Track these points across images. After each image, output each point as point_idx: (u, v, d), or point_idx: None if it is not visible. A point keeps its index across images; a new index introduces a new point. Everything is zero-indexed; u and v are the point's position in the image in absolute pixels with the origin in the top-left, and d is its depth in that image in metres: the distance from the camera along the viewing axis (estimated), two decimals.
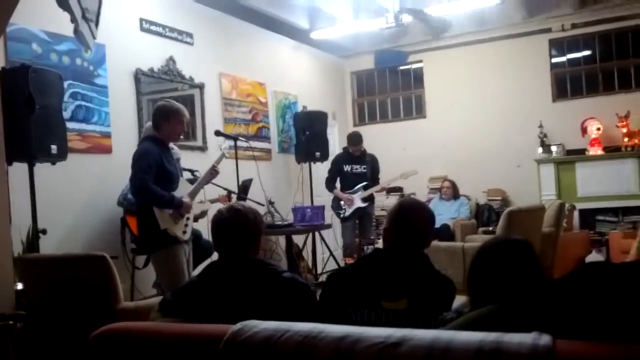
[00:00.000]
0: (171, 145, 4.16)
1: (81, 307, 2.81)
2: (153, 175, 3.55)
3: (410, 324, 1.79)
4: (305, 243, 6.93)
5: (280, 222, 6.45)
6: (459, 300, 2.01)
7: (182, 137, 3.90)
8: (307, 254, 6.91)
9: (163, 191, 3.59)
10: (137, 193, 3.66)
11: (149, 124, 3.92)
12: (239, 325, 1.48)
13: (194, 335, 1.53)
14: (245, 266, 1.94)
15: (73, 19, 2.94)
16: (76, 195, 4.65)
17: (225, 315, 1.70)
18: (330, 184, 6.68)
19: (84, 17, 3.04)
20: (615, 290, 1.21)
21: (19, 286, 2.91)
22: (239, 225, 1.98)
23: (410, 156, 8.33)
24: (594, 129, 7.53)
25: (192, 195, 3.84)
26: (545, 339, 1.19)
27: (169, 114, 3.75)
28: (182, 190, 3.76)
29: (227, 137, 4.43)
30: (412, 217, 2.07)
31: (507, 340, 1.22)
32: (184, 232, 3.72)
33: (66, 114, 4.51)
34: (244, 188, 4.98)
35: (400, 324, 1.78)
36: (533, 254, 1.69)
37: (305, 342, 1.40)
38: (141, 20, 5.47)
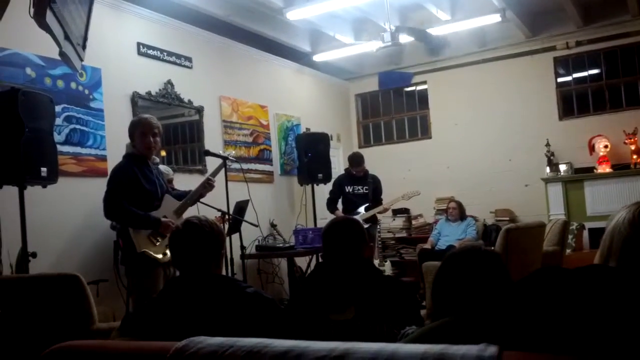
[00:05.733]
0: (163, 166, 4.10)
1: (55, 328, 2.76)
2: (127, 193, 3.46)
3: (360, 333, 1.71)
4: (308, 266, 6.84)
5: (281, 245, 6.40)
6: None
7: (154, 148, 3.73)
8: None
9: (138, 210, 3.48)
10: (109, 214, 3.57)
11: (129, 142, 3.88)
12: (184, 342, 1.42)
13: (139, 352, 1.47)
14: (205, 282, 1.88)
15: (55, 40, 2.94)
16: (70, 218, 4.63)
17: (185, 332, 1.63)
18: (331, 206, 6.61)
19: (66, 38, 3.04)
20: (566, 296, 1.13)
21: None
22: (195, 239, 1.92)
23: (416, 177, 8.26)
24: (601, 146, 7.41)
25: (179, 212, 3.71)
26: (491, 350, 1.12)
27: (132, 127, 3.69)
28: (168, 208, 3.66)
29: (216, 156, 4.39)
30: (334, 231, 2.15)
31: (451, 352, 1.14)
32: (165, 254, 3.54)
33: (60, 137, 4.54)
34: (240, 209, 4.92)
35: (350, 335, 1.70)
36: (501, 266, 1.61)
37: (249, 358, 1.34)
38: (139, 44, 5.51)
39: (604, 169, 7.34)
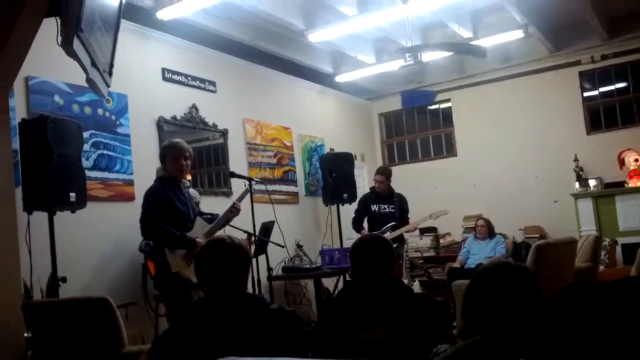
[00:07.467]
0: (192, 190, 4.13)
1: (86, 352, 2.77)
2: (162, 214, 3.52)
3: (391, 352, 1.68)
4: (336, 287, 6.80)
5: (308, 266, 6.36)
6: None
7: (186, 171, 3.85)
8: None
9: (174, 230, 3.54)
10: (146, 233, 3.63)
11: (160, 166, 3.95)
12: None
13: None
14: (231, 300, 1.86)
15: (82, 67, 2.99)
16: (98, 242, 4.68)
17: (214, 353, 1.62)
18: (357, 225, 6.55)
19: (93, 64, 3.10)
20: (602, 310, 1.09)
21: (28, 334, 2.89)
22: (222, 257, 1.90)
23: (442, 195, 8.18)
24: (631, 160, 7.28)
25: (209, 234, 3.75)
26: None
27: (164, 151, 3.81)
28: (199, 230, 3.71)
29: (241, 177, 4.42)
30: (362, 248, 2.19)
31: None
32: None
33: (88, 163, 4.61)
34: (265, 230, 4.92)
35: (381, 354, 1.67)
36: (532, 280, 1.56)
37: None
38: (163, 70, 5.60)
39: (635, 183, 7.20)
